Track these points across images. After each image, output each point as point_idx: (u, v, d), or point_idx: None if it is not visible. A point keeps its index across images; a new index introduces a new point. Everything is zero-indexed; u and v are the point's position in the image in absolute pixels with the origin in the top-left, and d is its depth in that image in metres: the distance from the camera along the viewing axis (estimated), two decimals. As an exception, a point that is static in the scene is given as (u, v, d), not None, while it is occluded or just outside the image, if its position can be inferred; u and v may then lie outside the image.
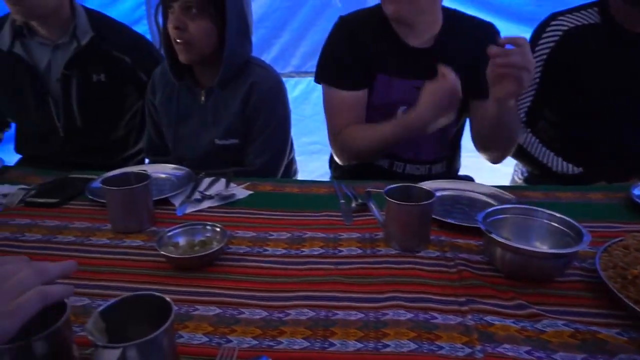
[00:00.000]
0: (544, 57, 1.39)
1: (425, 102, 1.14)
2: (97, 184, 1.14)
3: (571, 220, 0.81)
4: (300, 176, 1.68)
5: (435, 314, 0.69)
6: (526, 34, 1.92)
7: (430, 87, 1.13)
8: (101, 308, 0.54)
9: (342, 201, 1.06)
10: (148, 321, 0.56)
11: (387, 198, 0.84)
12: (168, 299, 0.55)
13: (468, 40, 1.27)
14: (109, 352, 0.48)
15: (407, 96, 1.29)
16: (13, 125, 1.67)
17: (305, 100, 2.59)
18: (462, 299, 0.72)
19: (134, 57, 1.52)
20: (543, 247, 0.82)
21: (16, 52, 1.43)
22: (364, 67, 1.30)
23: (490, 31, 1.30)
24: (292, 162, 1.61)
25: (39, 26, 1.44)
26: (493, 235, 0.77)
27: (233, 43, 1.27)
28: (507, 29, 2.24)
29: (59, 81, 1.47)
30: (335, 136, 1.36)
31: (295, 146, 1.61)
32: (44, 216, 1.01)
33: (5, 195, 1.08)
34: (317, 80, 1.38)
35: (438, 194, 0.92)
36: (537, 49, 1.40)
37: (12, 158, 1.61)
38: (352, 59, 1.30)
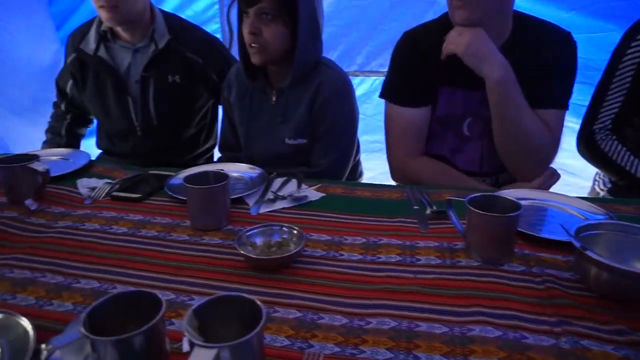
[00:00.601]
0: (637, 61, 1.29)
1: None
2: (175, 180, 1.18)
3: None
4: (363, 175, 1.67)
5: (525, 334, 0.65)
6: (613, 32, 1.81)
7: None
8: (195, 306, 0.56)
9: (416, 207, 1.04)
10: (237, 321, 0.57)
11: (470, 207, 0.81)
12: (259, 302, 0.55)
13: (539, 48, 1.21)
14: (206, 351, 0.49)
15: (472, 108, 1.27)
16: (94, 121, 1.78)
17: (368, 99, 2.59)
18: (554, 319, 0.68)
19: (206, 58, 1.57)
20: (644, 268, 0.75)
21: (100, 55, 1.52)
22: (427, 83, 1.29)
23: (565, 41, 1.24)
24: (357, 163, 1.60)
25: (123, 31, 1.52)
26: (588, 252, 0.72)
27: (304, 45, 1.29)
28: (591, 26, 2.12)
29: (137, 83, 1.54)
30: (397, 161, 1.37)
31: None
32: (128, 210, 1.06)
33: (93, 189, 1.15)
34: (381, 95, 1.39)
35: (521, 202, 0.87)
36: (628, 52, 1.30)
37: (93, 152, 1.71)
38: (416, 75, 1.30)
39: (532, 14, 1.28)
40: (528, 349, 0.62)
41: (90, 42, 1.54)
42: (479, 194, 0.85)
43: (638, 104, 1.33)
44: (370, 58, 2.57)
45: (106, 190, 1.14)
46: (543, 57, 1.21)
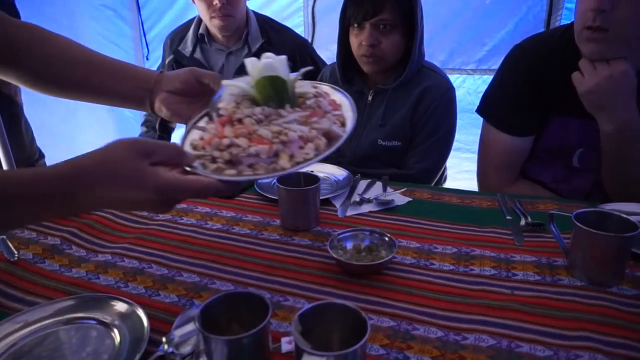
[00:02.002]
0: None
1: None
2: (264, 179, 1.22)
3: None
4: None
5: (641, 365, 0.61)
6: None
7: None
8: (300, 312, 0.57)
9: (509, 217, 1.00)
10: (338, 328, 0.58)
11: (578, 224, 0.76)
12: (362, 312, 0.56)
13: None
14: (315, 359, 0.50)
15: (587, 139, 1.14)
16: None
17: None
18: (673, 352, 0.63)
19: (294, 60, 1.61)
20: None
21: (196, 57, 1.61)
22: (538, 111, 1.16)
23: None
24: (444, 168, 1.56)
25: (221, 35, 1.59)
26: None
27: (417, 51, 1.32)
28: None
29: None
30: (490, 187, 1.26)
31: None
32: (221, 206, 1.11)
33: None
34: (480, 112, 1.28)
35: (632, 219, 0.80)
36: None
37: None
38: (526, 100, 1.16)
39: None
40: (646, 384, 0.58)
41: (188, 45, 1.63)
42: (586, 209, 0.80)
43: None
44: (451, 54, 2.50)
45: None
46: None
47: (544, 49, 1.16)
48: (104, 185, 0.53)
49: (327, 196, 1.11)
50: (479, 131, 1.30)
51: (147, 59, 3.19)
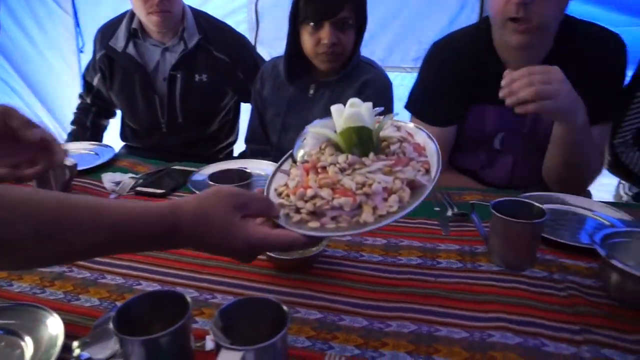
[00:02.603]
0: None
1: None
2: (198, 177, 1.20)
3: None
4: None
5: (546, 341, 0.65)
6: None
7: None
8: (221, 308, 0.57)
9: (437, 209, 1.04)
10: (261, 323, 0.58)
11: (495, 213, 0.80)
12: (283, 305, 0.56)
13: (584, 56, 1.13)
14: (232, 353, 0.50)
15: (505, 124, 1.22)
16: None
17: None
18: (575, 327, 0.67)
19: (233, 57, 1.59)
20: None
21: (129, 52, 1.55)
22: (457, 102, 1.23)
23: (613, 47, 1.15)
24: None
25: (157, 31, 1.54)
26: (614, 261, 0.71)
27: (360, 47, 1.36)
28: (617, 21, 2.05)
29: (165, 81, 1.57)
30: None
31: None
32: (152, 206, 1.08)
33: (118, 183, 1.17)
34: (407, 108, 1.34)
35: (544, 207, 0.85)
36: None
37: (113, 143, 1.75)
38: (446, 94, 1.24)
39: (572, 15, 1.16)
40: (548, 357, 0.62)
41: (120, 39, 1.57)
42: (504, 199, 0.84)
43: None
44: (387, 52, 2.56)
45: (130, 185, 1.16)
46: (590, 66, 1.12)
47: (458, 44, 1.25)
48: (198, 233, 0.58)
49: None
50: None
51: (82, 51, 3.04)
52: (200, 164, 1.30)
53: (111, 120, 1.87)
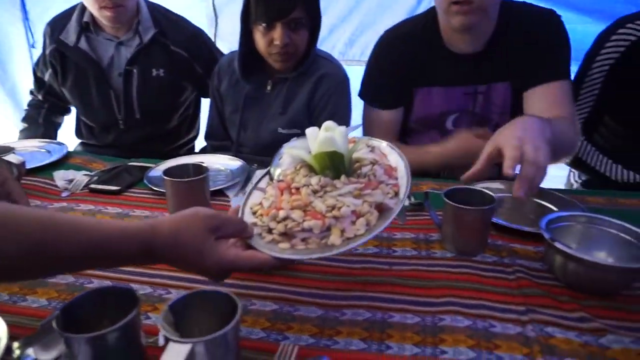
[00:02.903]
0: (606, 68, 1.31)
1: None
2: (155, 172, 1.18)
3: (642, 232, 0.77)
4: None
5: (494, 322, 0.68)
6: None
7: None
8: (170, 302, 0.56)
9: (394, 199, 1.05)
10: (213, 316, 0.58)
11: (447, 201, 0.82)
12: (234, 296, 0.56)
13: (525, 35, 1.19)
14: (180, 346, 0.50)
15: (455, 104, 1.27)
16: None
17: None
18: (522, 308, 0.70)
19: (191, 52, 1.56)
20: (609, 259, 0.78)
21: (81, 47, 1.49)
22: (404, 84, 1.28)
23: (549, 20, 1.21)
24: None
25: (108, 24, 1.49)
26: (556, 244, 0.74)
27: (316, 44, 1.36)
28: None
29: (120, 76, 1.52)
30: None
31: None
32: (106, 203, 1.05)
33: (70, 181, 1.14)
34: (360, 95, 1.39)
35: (495, 195, 0.88)
36: (598, 58, 1.31)
37: (69, 142, 1.69)
38: (392, 77, 1.29)
39: None
40: (495, 337, 0.65)
41: (71, 33, 1.51)
42: (456, 187, 0.87)
43: (609, 107, 1.35)
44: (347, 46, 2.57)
45: (84, 182, 1.13)
46: (532, 40, 1.18)
47: (405, 30, 1.30)
48: (172, 254, 0.61)
49: (219, 187, 1.10)
50: None
51: (34, 47, 2.91)
52: (159, 160, 1.27)
53: (66, 117, 1.80)
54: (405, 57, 1.27)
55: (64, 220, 0.57)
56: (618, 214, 0.83)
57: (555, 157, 1.08)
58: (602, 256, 0.79)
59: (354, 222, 0.67)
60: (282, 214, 0.68)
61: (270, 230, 0.69)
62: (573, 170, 1.59)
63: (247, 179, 1.16)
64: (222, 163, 1.24)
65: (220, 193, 1.09)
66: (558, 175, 1.71)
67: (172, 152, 1.71)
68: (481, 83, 1.22)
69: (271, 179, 0.82)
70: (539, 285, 0.76)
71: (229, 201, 1.06)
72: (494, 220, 0.89)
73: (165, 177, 0.94)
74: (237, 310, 0.55)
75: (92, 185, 1.12)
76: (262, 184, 0.82)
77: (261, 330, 0.67)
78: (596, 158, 1.37)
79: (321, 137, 0.72)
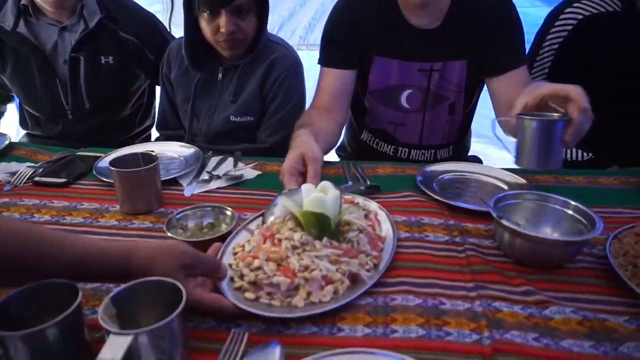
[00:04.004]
0: (555, 47, 1.34)
1: None
2: (104, 163, 1.13)
3: (585, 208, 0.80)
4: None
5: (443, 300, 0.69)
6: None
7: None
8: (112, 294, 0.55)
9: (350, 183, 1.06)
10: (159, 306, 0.56)
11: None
12: (179, 284, 0.55)
13: (479, 15, 1.20)
14: (121, 338, 0.48)
15: (411, 79, 1.26)
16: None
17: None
18: (471, 285, 0.72)
19: (142, 38, 1.50)
20: (554, 234, 0.81)
21: (20, 32, 1.41)
22: (360, 49, 1.26)
23: (503, 1, 1.23)
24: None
25: (50, 8, 1.40)
26: (503, 221, 0.76)
27: (266, 29, 1.33)
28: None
29: (66, 63, 1.44)
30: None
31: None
32: (52, 196, 1.01)
33: (13, 174, 1.08)
34: (319, 61, 1.34)
35: (447, 176, 0.90)
36: (548, 37, 1.35)
37: (12, 131, 1.61)
38: (348, 38, 1.26)
39: None
40: (444, 314, 0.66)
41: (8, 17, 1.42)
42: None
43: None
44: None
45: (28, 175, 1.08)
46: (487, 21, 1.19)
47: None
48: (145, 277, 0.61)
49: (172, 176, 1.07)
50: None
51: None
52: (109, 149, 1.23)
53: (9, 106, 1.71)
54: (364, 19, 1.24)
55: (48, 236, 0.62)
56: (565, 191, 0.86)
57: None
58: (547, 232, 0.82)
59: (322, 287, 0.68)
60: (256, 263, 0.69)
61: (241, 276, 0.70)
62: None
63: (202, 167, 1.13)
64: (175, 150, 1.21)
65: (174, 182, 1.06)
66: (511, 156, 1.75)
67: (127, 142, 1.65)
68: (437, 60, 1.23)
69: (263, 222, 0.83)
70: (488, 262, 0.78)
71: (182, 190, 1.03)
72: (447, 201, 0.91)
73: (112, 168, 0.91)
74: (182, 299, 0.54)
75: (37, 178, 1.06)
76: (252, 226, 0.84)
77: (213, 320, 0.66)
78: None
79: (312, 196, 0.74)
